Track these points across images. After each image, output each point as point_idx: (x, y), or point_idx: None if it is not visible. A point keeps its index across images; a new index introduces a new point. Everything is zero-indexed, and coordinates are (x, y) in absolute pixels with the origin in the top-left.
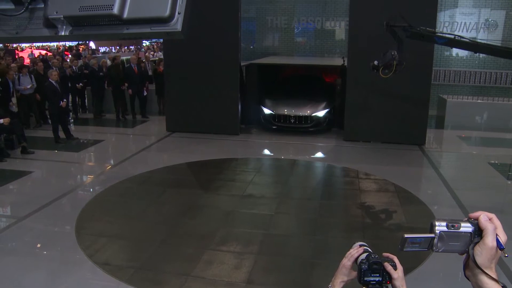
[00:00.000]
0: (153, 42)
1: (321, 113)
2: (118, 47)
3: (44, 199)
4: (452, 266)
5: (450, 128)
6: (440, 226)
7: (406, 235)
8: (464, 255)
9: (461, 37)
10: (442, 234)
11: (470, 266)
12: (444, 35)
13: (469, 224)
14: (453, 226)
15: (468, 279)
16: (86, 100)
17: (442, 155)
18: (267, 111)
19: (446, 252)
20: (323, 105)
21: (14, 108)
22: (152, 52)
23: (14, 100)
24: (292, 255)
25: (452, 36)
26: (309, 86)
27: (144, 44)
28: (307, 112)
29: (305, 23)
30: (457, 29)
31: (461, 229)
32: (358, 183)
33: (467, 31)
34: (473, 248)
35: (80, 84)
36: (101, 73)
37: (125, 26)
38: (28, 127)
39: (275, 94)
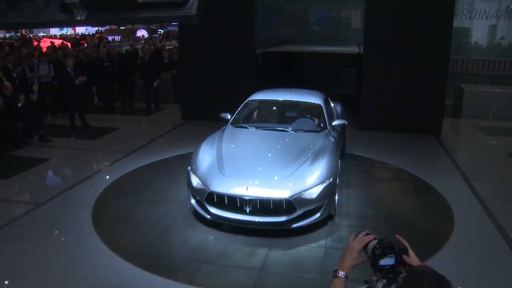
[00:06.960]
0: (169, 29)
1: (313, 191)
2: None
3: (61, 186)
4: (465, 256)
5: (467, 118)
6: None
7: None
8: None
9: None
10: None
11: None
12: None
13: None
14: None
15: None
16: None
17: (459, 145)
18: (196, 182)
19: None
20: (319, 170)
21: (33, 97)
22: (167, 42)
23: (35, 87)
24: (306, 243)
25: None
26: (292, 120)
27: (159, 32)
28: (282, 191)
29: (321, 11)
30: (477, 17)
31: None
32: (373, 172)
33: (487, 18)
34: None
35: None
36: (106, 63)
37: (140, 10)
38: (46, 115)
39: (224, 144)
